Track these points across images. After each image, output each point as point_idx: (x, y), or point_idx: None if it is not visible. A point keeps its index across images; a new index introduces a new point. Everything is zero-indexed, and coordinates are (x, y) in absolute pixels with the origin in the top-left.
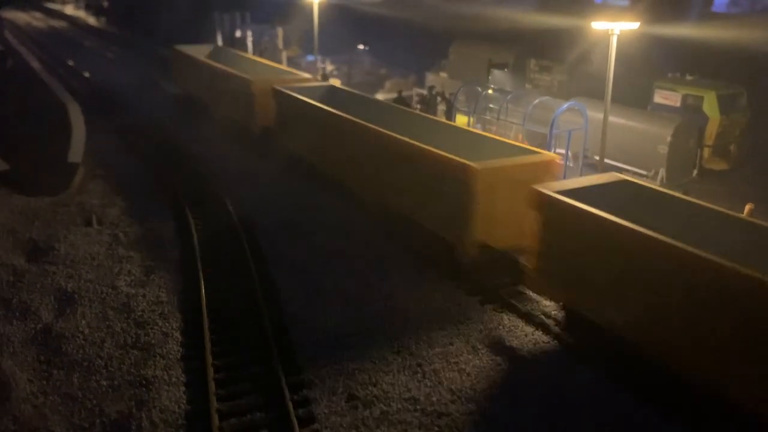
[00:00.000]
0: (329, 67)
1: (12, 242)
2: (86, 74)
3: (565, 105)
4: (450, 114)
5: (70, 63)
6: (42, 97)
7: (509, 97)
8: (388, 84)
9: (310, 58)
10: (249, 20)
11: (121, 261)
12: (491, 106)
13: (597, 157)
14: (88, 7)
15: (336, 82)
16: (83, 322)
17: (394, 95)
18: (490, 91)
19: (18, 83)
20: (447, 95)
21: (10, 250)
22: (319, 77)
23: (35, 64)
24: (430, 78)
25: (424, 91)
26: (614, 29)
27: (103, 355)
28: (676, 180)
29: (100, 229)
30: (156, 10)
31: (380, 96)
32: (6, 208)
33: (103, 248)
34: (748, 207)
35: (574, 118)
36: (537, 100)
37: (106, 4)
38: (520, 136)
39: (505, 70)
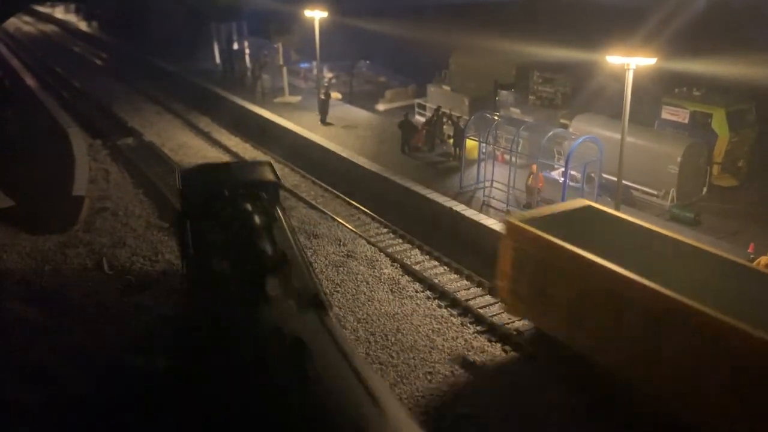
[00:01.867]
0: (328, 75)
1: (24, 293)
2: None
3: (580, 140)
4: (458, 139)
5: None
6: (41, 120)
7: (522, 128)
8: (388, 94)
9: (303, 65)
10: (245, 31)
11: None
12: (501, 133)
13: (606, 176)
14: (78, 11)
15: (336, 96)
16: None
17: (396, 106)
18: (497, 117)
19: (16, 105)
20: (454, 117)
21: (24, 302)
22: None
23: (31, 82)
24: (432, 91)
25: (428, 112)
26: (630, 64)
27: None
28: (686, 199)
29: (111, 275)
30: (150, 18)
31: (381, 107)
32: (14, 251)
33: (115, 296)
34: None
35: (587, 140)
36: (551, 132)
37: (98, 10)
38: (534, 167)
39: (512, 90)
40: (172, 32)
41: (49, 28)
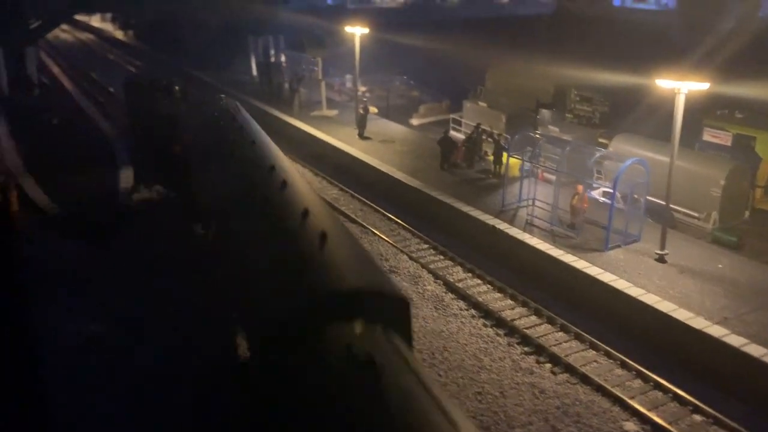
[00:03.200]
0: (362, 89)
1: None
2: None
3: (628, 162)
4: (498, 156)
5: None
6: (83, 127)
7: (568, 148)
8: (422, 109)
9: (336, 79)
10: (282, 45)
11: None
12: (546, 153)
13: (648, 198)
14: (114, 20)
15: (373, 110)
16: None
17: (430, 120)
18: (539, 136)
19: (60, 112)
20: (495, 135)
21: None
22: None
23: (70, 87)
24: (468, 107)
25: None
26: (681, 88)
27: None
28: (728, 222)
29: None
30: (185, 29)
31: (415, 122)
32: (61, 258)
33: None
34: None
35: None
36: (598, 154)
37: (133, 20)
38: (581, 188)
39: (553, 110)
40: (208, 43)
41: (86, 36)
